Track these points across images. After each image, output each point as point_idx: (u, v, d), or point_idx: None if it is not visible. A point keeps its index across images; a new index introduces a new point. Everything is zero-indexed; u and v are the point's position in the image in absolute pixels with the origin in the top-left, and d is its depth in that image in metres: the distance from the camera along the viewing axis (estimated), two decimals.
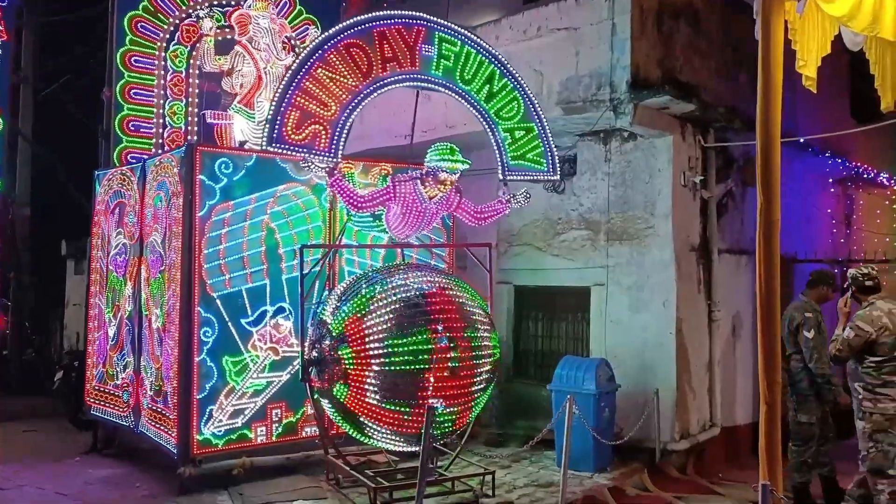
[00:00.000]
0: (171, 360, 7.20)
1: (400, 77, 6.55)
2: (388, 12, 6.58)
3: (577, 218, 8.90)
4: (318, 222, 7.75)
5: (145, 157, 8.43)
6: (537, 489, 7.10)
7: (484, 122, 6.94)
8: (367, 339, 5.97)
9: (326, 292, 7.20)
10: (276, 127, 5.96)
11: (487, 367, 6.42)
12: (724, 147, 8.82)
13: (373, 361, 5.96)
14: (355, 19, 6.37)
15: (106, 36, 9.40)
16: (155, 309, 7.61)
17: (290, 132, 6.00)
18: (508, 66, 7.06)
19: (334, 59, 6.19)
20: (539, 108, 7.16)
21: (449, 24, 6.83)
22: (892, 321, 5.85)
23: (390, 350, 5.95)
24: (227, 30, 9.14)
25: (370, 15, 6.46)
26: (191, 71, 9.32)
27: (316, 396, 6.56)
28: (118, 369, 8.33)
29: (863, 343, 5.83)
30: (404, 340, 5.96)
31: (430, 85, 6.76)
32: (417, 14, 6.64)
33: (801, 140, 9.52)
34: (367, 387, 5.97)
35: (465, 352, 6.09)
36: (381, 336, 5.98)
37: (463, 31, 6.90)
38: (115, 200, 8.60)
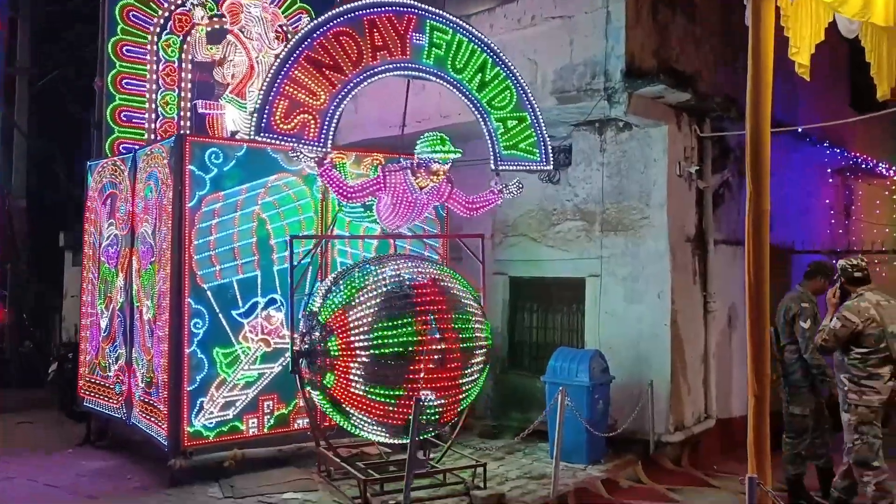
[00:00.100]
0: (161, 351, 7.16)
1: (390, 66, 6.48)
2: (379, 0, 6.49)
3: (572, 208, 8.83)
4: (309, 213, 7.69)
5: (136, 147, 8.37)
6: (529, 481, 7.06)
7: (476, 112, 6.87)
8: (352, 330, 5.93)
9: (319, 283, 7.15)
10: (265, 116, 5.89)
11: (478, 360, 6.37)
12: (720, 137, 8.75)
13: (358, 352, 5.92)
14: (344, 7, 6.29)
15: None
16: (146, 300, 7.57)
17: (278, 122, 5.92)
18: (501, 54, 6.98)
19: (323, 47, 6.11)
20: (532, 98, 7.08)
21: (440, 12, 6.75)
22: (880, 313, 5.83)
23: (376, 341, 5.91)
24: (218, 19, 9.06)
25: (360, 3, 6.36)
26: (183, 61, 9.23)
27: (307, 388, 6.52)
28: (110, 361, 8.29)
29: (849, 334, 5.81)
30: (390, 332, 5.91)
31: (421, 74, 6.69)
32: (408, 2, 6.56)
33: (800, 130, 9.44)
34: (352, 377, 5.93)
35: (453, 343, 6.03)
36: (366, 327, 5.94)
37: (454, 19, 6.82)
38: (106, 191, 8.56)
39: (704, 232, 8.54)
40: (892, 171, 12.25)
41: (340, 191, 6.35)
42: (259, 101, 5.91)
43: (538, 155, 7.08)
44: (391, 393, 5.95)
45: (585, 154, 8.73)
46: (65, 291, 16.31)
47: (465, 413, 6.88)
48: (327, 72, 6.13)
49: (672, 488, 7.22)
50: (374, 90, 9.26)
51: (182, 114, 9.24)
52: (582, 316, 8.71)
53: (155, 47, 9.13)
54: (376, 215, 6.77)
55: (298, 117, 6.01)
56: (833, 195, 11.52)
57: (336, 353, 5.97)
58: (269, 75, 5.96)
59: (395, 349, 5.90)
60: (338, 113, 6.20)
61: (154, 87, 9.13)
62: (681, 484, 7.39)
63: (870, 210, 12.43)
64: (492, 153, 6.89)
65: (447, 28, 6.72)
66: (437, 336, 5.96)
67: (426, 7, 6.65)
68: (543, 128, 7.09)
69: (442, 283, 6.32)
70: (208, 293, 7.09)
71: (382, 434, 6.30)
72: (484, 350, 6.46)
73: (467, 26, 6.86)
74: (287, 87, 5.95)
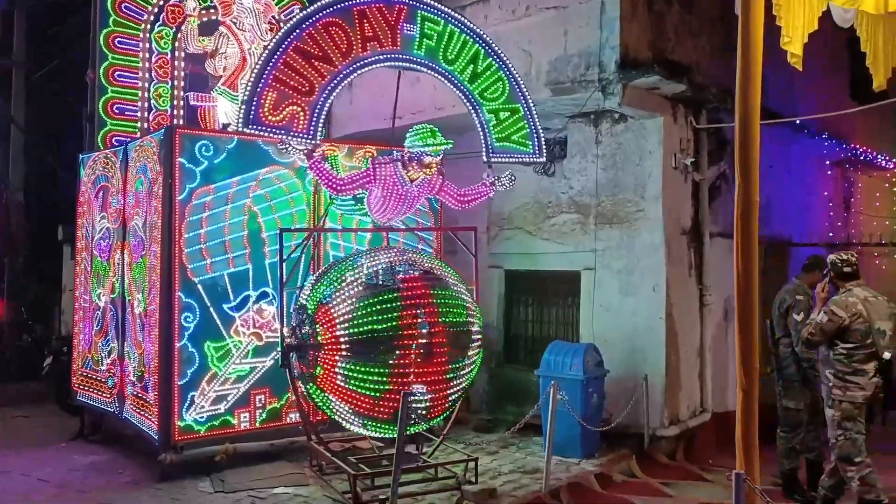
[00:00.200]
0: (152, 345, 7.11)
1: (381, 57, 6.39)
2: None
3: (567, 201, 8.77)
4: (301, 206, 7.63)
5: (128, 140, 8.31)
6: (522, 475, 7.02)
7: (468, 103, 6.79)
8: (336, 321, 5.90)
9: (311, 276, 7.10)
10: (252, 108, 5.81)
11: (469, 354, 6.29)
12: (717, 129, 8.68)
13: (341, 344, 5.89)
14: None
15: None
16: (137, 294, 7.52)
17: (266, 114, 5.83)
18: (493, 45, 6.89)
19: (313, 38, 6.04)
20: (525, 89, 7.00)
21: (432, 2, 6.65)
22: (867, 309, 5.80)
23: (354, 328, 5.89)
24: (211, 10, 8.98)
25: None
26: (176, 53, 9.16)
27: (298, 382, 6.48)
28: (103, 355, 8.25)
29: (836, 328, 5.79)
30: (369, 319, 5.89)
31: (411, 65, 6.60)
32: None
33: (798, 121, 9.36)
34: (337, 369, 5.90)
35: (441, 337, 5.97)
36: (347, 316, 5.92)
37: (446, 9, 6.73)
38: (99, 184, 8.50)
39: (700, 224, 8.48)
40: (892, 163, 12.16)
41: (330, 183, 6.29)
42: (247, 93, 5.84)
43: (531, 147, 7.01)
44: (376, 386, 5.90)
45: (581, 146, 8.66)
46: (64, 285, 16.31)
47: (456, 407, 6.83)
48: (316, 63, 6.04)
49: (666, 482, 7.18)
50: (369, 82, 9.25)
51: (175, 105, 9.17)
52: (577, 309, 8.66)
53: (147, 39, 9.05)
54: (367, 208, 6.71)
55: (287, 109, 5.92)
56: (832, 187, 11.44)
57: (321, 346, 5.93)
58: (257, 66, 5.88)
59: (376, 339, 5.87)
60: (327, 104, 6.11)
61: (147, 79, 9.05)
62: (675, 478, 7.35)
63: (869, 202, 12.35)
64: (484, 145, 6.82)
65: (438, 18, 6.63)
66: (426, 330, 5.90)
67: None
68: (536, 120, 7.01)
69: (432, 276, 6.26)
70: (199, 287, 7.03)
71: (370, 428, 6.24)
72: (477, 344, 6.40)
73: (459, 17, 6.78)
74: (275, 79, 5.87)
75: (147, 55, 9.04)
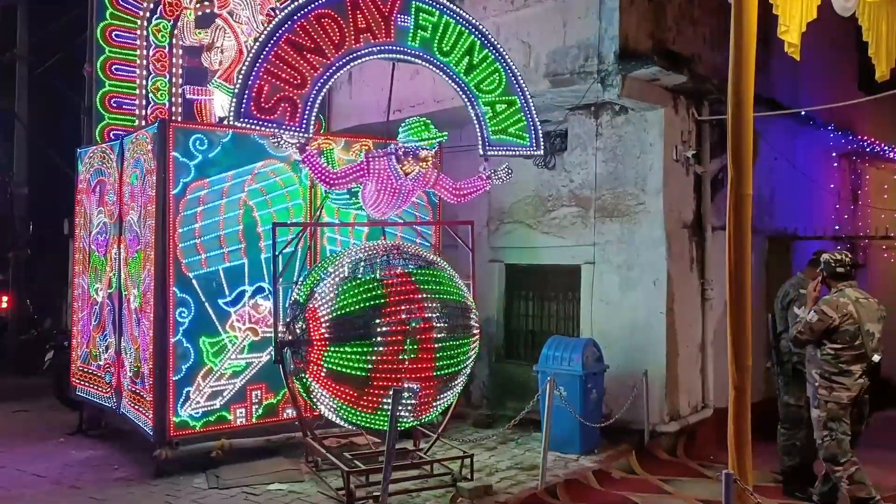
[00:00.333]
0: (147, 340, 7.07)
1: (374, 49, 6.31)
2: None
3: (567, 194, 8.67)
4: (298, 200, 7.57)
5: (125, 134, 8.26)
6: (520, 472, 6.96)
7: (463, 96, 6.70)
8: (320, 316, 5.86)
9: (308, 271, 7.03)
10: (244, 101, 5.74)
11: (463, 351, 6.19)
12: (719, 120, 8.52)
13: (324, 332, 5.87)
14: None
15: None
16: (133, 289, 7.48)
17: (258, 107, 5.78)
18: (489, 36, 6.79)
19: (305, 30, 5.96)
20: (522, 81, 6.90)
21: None
22: (858, 310, 5.76)
23: (337, 318, 5.85)
24: (207, 3, 8.90)
25: None
26: (174, 46, 9.09)
27: (291, 378, 6.43)
28: (101, 350, 8.23)
29: (825, 328, 5.74)
30: (351, 308, 5.85)
31: (406, 57, 6.52)
32: None
33: (803, 112, 9.22)
34: (322, 361, 5.88)
35: (428, 333, 5.89)
36: (330, 308, 5.89)
37: (442, 0, 6.64)
38: (95, 178, 8.47)
39: (702, 218, 8.37)
40: None
41: (323, 177, 6.23)
42: (238, 86, 5.77)
43: (528, 139, 6.91)
44: (356, 372, 5.84)
45: (581, 139, 8.56)
46: (70, 279, 16.34)
47: (453, 403, 6.76)
48: (309, 55, 5.97)
49: (665, 479, 7.08)
50: (371, 75, 9.20)
51: (173, 100, 9.11)
52: (578, 304, 8.57)
53: (145, 32, 8.98)
54: (362, 202, 6.64)
55: (279, 102, 5.87)
56: (839, 180, 11.28)
57: (311, 341, 5.89)
58: (248, 59, 5.82)
59: (352, 319, 5.84)
60: (320, 97, 6.05)
61: (144, 72, 8.98)
62: (675, 475, 7.25)
63: (878, 195, 12.18)
64: (480, 138, 6.73)
65: (433, 9, 6.54)
66: (417, 325, 5.82)
67: None
68: (534, 112, 6.91)
69: (421, 276, 6.17)
70: (194, 282, 6.99)
71: (357, 421, 6.19)
72: (471, 341, 6.31)
73: (454, 8, 6.67)
74: (267, 71, 5.81)
75: (144, 49, 8.97)
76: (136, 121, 8.90)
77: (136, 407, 7.36)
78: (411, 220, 7.88)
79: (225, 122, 7.22)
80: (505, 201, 9.22)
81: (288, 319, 6.35)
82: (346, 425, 6.43)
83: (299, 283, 6.44)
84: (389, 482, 6.16)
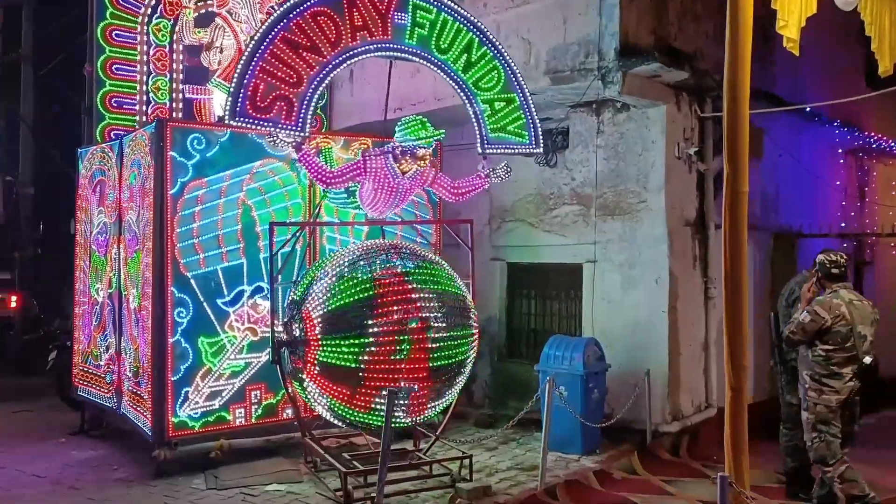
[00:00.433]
0: (146, 341, 7.06)
1: (371, 47, 6.27)
2: None
3: (569, 192, 8.61)
4: (296, 199, 7.54)
5: (125, 133, 8.24)
6: (520, 472, 6.91)
7: (462, 94, 6.65)
8: (313, 316, 5.82)
9: (305, 270, 7.00)
10: (239, 100, 5.71)
11: (458, 353, 6.12)
12: (722, 117, 8.44)
13: (317, 329, 5.84)
14: None
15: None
16: (132, 289, 7.47)
17: (254, 105, 5.75)
18: (488, 34, 6.73)
19: (300, 28, 5.92)
20: (521, 78, 6.84)
21: None
22: (851, 312, 5.74)
23: (329, 313, 5.83)
24: (207, 2, 8.88)
25: None
26: (174, 45, 9.07)
27: (289, 378, 6.40)
28: (101, 350, 8.22)
29: (817, 329, 5.73)
30: (341, 303, 5.83)
31: (403, 55, 6.46)
32: None
33: (807, 109, 9.12)
34: (316, 359, 5.84)
35: (420, 333, 5.83)
36: (322, 305, 5.86)
37: None
38: (96, 178, 8.46)
39: (705, 216, 8.28)
40: None
41: (319, 176, 6.19)
42: (233, 85, 5.74)
43: (527, 137, 6.85)
44: (348, 364, 5.80)
45: (583, 136, 8.49)
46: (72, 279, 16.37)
47: (452, 404, 6.72)
48: (304, 53, 5.94)
49: (667, 479, 7.00)
50: (370, 73, 9.15)
51: (174, 98, 9.09)
52: (580, 303, 8.51)
53: (145, 32, 8.95)
54: (359, 201, 6.60)
55: (275, 101, 5.83)
56: (845, 176, 11.15)
57: (308, 341, 5.86)
58: (244, 58, 5.78)
59: (345, 312, 5.82)
60: (316, 96, 6.01)
61: (145, 72, 8.96)
62: (677, 475, 7.17)
63: (885, 191, 12.05)
64: (478, 136, 6.67)
65: (431, 6, 6.48)
66: (415, 325, 5.78)
67: None
68: (533, 110, 6.85)
69: (415, 276, 6.11)
70: (192, 282, 6.97)
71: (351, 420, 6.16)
72: (469, 341, 6.24)
73: (453, 4, 6.60)
74: (262, 70, 5.77)
75: (145, 48, 8.95)
76: (137, 120, 8.89)
77: (136, 407, 7.35)
78: (410, 219, 7.83)
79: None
80: (506, 200, 9.17)
81: (286, 319, 6.32)
82: (342, 425, 6.39)
83: (297, 282, 6.40)
84: (388, 483, 6.15)
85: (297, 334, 6.05)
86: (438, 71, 6.58)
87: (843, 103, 8.78)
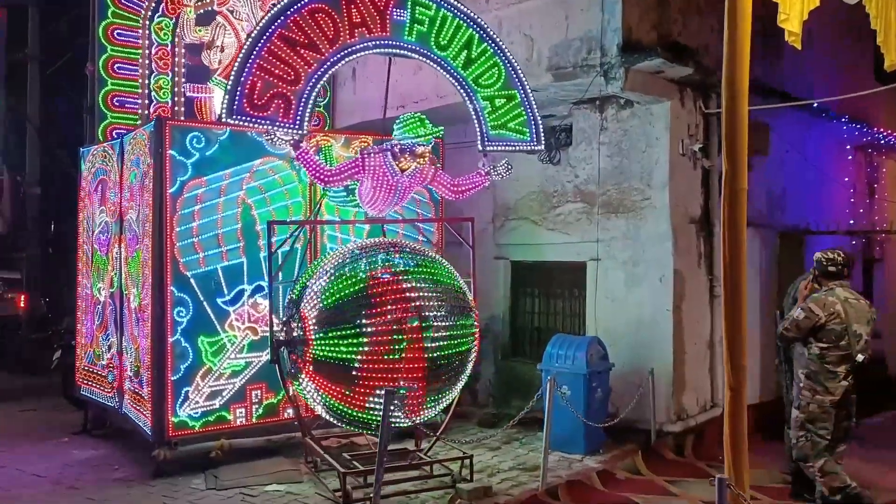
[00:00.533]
0: (146, 340, 7.03)
1: (369, 43, 6.21)
2: None
3: (572, 190, 8.53)
4: (297, 198, 7.50)
5: (126, 132, 8.22)
6: (521, 473, 6.84)
7: (461, 90, 6.59)
8: (310, 318, 5.77)
9: (304, 269, 6.96)
10: (236, 98, 5.67)
11: (454, 354, 6.05)
12: None
13: (314, 330, 5.81)
14: None
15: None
16: (133, 288, 7.44)
17: (251, 103, 5.71)
18: (488, 30, 6.66)
19: (298, 25, 5.87)
20: (522, 75, 6.77)
21: None
22: (846, 310, 5.70)
23: (324, 309, 5.80)
24: (207, 1, 8.84)
25: None
26: (176, 44, 9.04)
27: (288, 378, 6.35)
28: (103, 349, 8.21)
29: (811, 326, 5.71)
30: (337, 297, 5.80)
31: (402, 51, 6.41)
32: None
33: (815, 104, 9.01)
34: (312, 354, 5.81)
35: (415, 333, 5.77)
36: (318, 302, 5.83)
37: None
38: (97, 178, 8.45)
39: (710, 213, 8.18)
40: None
41: (317, 174, 6.14)
42: (230, 83, 5.70)
43: (528, 134, 6.79)
44: (344, 358, 5.76)
45: (586, 133, 8.41)
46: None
47: (454, 404, 6.67)
48: (302, 51, 5.89)
49: (671, 480, 6.92)
50: (372, 71, 9.10)
51: (176, 98, 9.06)
52: (583, 301, 8.44)
53: (147, 30, 8.93)
54: (359, 199, 6.55)
55: (273, 99, 5.78)
56: (854, 173, 11.01)
57: (306, 340, 5.82)
58: (241, 56, 5.75)
59: (342, 307, 5.77)
60: (314, 93, 5.96)
61: (147, 71, 8.94)
62: (681, 475, 7.09)
63: (895, 188, 11.90)
64: (479, 133, 6.61)
65: (430, 3, 6.42)
66: (415, 324, 5.72)
67: None
68: (534, 106, 6.78)
69: (418, 272, 6.06)
70: (192, 281, 6.94)
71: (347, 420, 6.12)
72: (469, 341, 6.18)
73: (452, 0, 6.54)
74: (259, 68, 5.73)
75: (147, 47, 8.92)
76: (139, 119, 8.88)
77: (136, 407, 7.33)
78: (410, 218, 7.77)
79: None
80: (510, 198, 9.10)
81: (284, 318, 6.28)
82: (341, 424, 6.34)
83: (297, 281, 6.36)
84: (388, 483, 6.11)
85: (295, 333, 6.00)
86: (438, 68, 6.52)
87: (852, 98, 8.65)
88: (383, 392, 5.33)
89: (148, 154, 7.04)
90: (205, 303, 6.99)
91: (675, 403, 7.69)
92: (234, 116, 5.70)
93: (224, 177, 7.10)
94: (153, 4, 8.94)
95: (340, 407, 5.90)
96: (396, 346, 5.69)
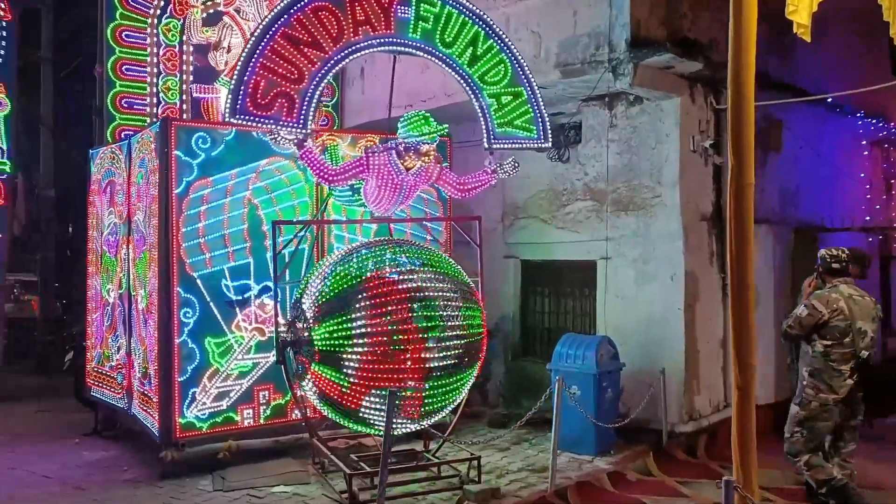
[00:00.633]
0: (154, 341, 7.03)
1: (374, 41, 6.15)
2: None
3: (582, 188, 8.45)
4: (304, 197, 7.46)
5: (134, 133, 8.22)
6: (530, 474, 6.77)
7: (467, 88, 6.52)
8: (311, 319, 5.74)
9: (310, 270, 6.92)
10: (239, 98, 5.63)
11: (452, 354, 5.98)
12: None
13: (312, 329, 5.79)
14: None
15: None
16: (140, 290, 7.44)
17: (254, 103, 5.67)
18: (494, 26, 6.58)
19: (301, 24, 5.82)
20: (529, 72, 6.69)
21: None
22: (850, 307, 5.61)
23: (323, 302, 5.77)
24: (215, 1, 8.83)
25: None
26: (184, 45, 9.05)
27: (294, 378, 6.32)
28: (113, 351, 8.22)
29: (814, 323, 5.63)
30: (334, 290, 5.79)
31: (407, 49, 6.34)
32: None
33: (829, 99, 8.87)
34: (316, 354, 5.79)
35: (413, 333, 5.71)
36: (316, 298, 5.81)
37: None
38: (106, 179, 8.45)
39: (722, 210, 8.07)
40: None
41: (321, 173, 6.10)
42: (234, 82, 5.67)
43: (535, 132, 6.70)
44: (339, 348, 5.73)
45: (595, 130, 8.33)
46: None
47: (461, 404, 6.61)
48: (306, 49, 5.84)
49: (683, 481, 6.82)
50: (380, 69, 9.07)
51: (184, 99, 9.07)
52: (594, 300, 8.35)
53: (155, 32, 8.96)
54: (364, 199, 6.50)
55: (276, 98, 5.74)
56: (870, 168, 10.85)
57: (311, 340, 5.79)
58: (244, 55, 5.71)
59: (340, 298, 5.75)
60: (318, 92, 5.91)
61: (155, 72, 8.97)
62: (693, 476, 6.98)
63: None
64: (485, 131, 6.54)
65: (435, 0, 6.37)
66: (392, 327, 5.67)
67: None
68: (541, 103, 6.69)
69: (424, 272, 6.00)
70: (198, 281, 6.92)
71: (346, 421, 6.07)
72: (467, 342, 6.09)
73: None
74: (263, 67, 5.69)
75: (155, 48, 8.95)
76: (148, 120, 8.88)
77: (145, 408, 7.33)
78: (418, 217, 7.72)
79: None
80: (519, 196, 9.03)
81: (290, 318, 6.25)
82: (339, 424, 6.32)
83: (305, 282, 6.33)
84: (395, 484, 6.07)
85: (301, 334, 5.96)
86: (443, 65, 6.45)
87: (868, 93, 8.51)
88: (386, 393, 5.27)
89: (154, 155, 7.03)
90: (211, 304, 6.97)
91: (687, 403, 7.59)
92: (238, 116, 5.66)
93: (230, 177, 7.07)
94: (161, 5, 8.96)
95: (340, 407, 5.85)
96: (396, 348, 5.64)
